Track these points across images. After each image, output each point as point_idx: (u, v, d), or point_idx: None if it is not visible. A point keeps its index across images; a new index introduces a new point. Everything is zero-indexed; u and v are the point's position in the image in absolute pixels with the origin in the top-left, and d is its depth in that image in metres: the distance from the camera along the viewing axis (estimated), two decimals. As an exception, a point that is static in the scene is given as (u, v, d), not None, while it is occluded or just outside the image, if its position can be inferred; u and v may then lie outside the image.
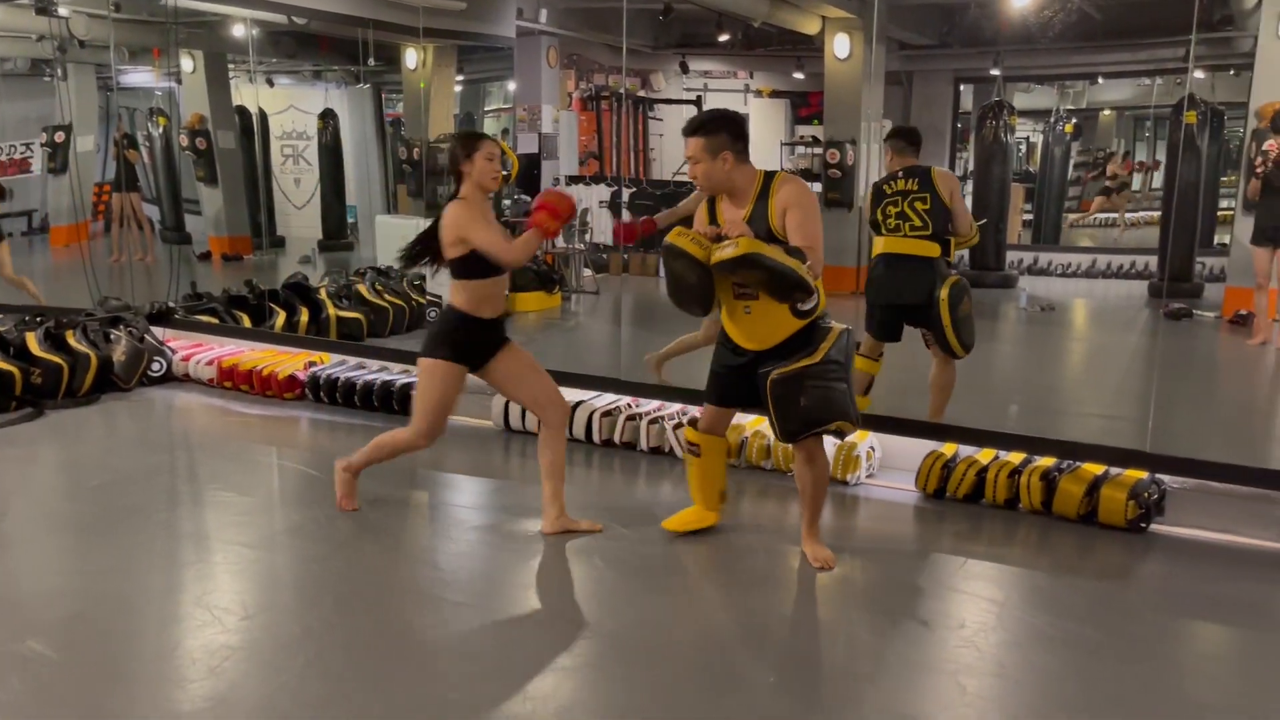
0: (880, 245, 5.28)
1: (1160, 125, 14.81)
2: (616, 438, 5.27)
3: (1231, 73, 11.40)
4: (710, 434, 4.04)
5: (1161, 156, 13.70)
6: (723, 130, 3.69)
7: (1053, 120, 14.76)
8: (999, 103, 11.50)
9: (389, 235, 8.69)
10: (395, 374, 6.12)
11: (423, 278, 8.01)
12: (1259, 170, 7.57)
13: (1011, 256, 11.90)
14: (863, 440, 4.90)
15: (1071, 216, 15.25)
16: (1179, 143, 10.07)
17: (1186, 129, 9.91)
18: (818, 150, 10.66)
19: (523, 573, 3.84)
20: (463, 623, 3.41)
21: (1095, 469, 4.44)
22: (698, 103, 13.22)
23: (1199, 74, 11.53)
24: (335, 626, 3.33)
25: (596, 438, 5.30)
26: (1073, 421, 5.99)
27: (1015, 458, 4.61)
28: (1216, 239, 11.37)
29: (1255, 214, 7.77)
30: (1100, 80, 14.98)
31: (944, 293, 4.99)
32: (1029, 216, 14.32)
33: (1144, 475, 4.38)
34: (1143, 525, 4.23)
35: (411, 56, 10.44)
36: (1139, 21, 10.30)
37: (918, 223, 5.17)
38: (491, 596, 3.67)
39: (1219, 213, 11.52)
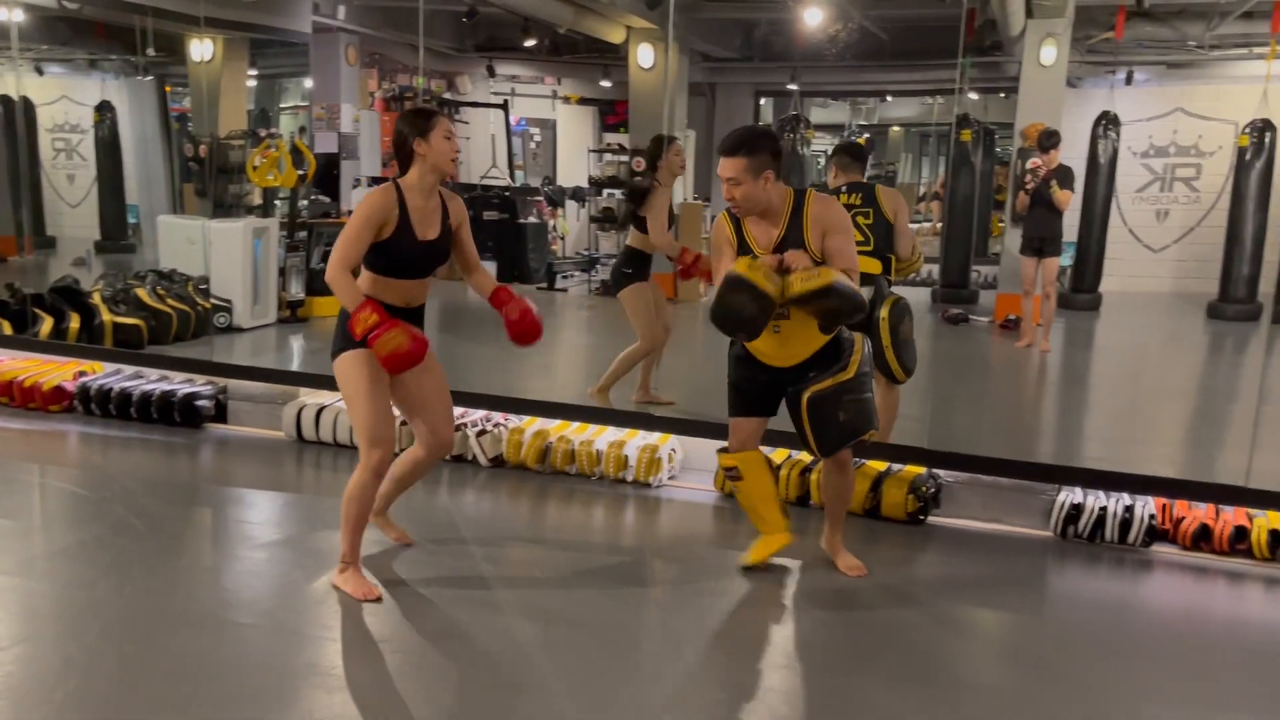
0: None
1: (942, 142, 15.81)
2: (417, 446, 5.14)
3: (1002, 95, 12.31)
4: (744, 450, 3.85)
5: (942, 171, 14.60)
6: (765, 149, 3.55)
7: (846, 134, 15.51)
8: (795, 116, 11.99)
9: (173, 236, 8.17)
10: (177, 383, 5.75)
11: (208, 280, 7.58)
12: (1028, 186, 8.17)
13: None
14: (665, 443, 4.98)
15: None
16: (956, 159, 10.79)
17: (961, 146, 10.63)
18: (624, 158, 10.78)
19: (316, 589, 3.68)
20: (249, 644, 3.23)
21: (879, 465, 4.67)
22: (504, 106, 13.14)
23: (973, 95, 12.40)
24: (101, 655, 3.09)
25: (396, 447, 5.14)
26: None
27: (806, 457, 4.79)
28: (990, 249, 12.22)
29: (1023, 226, 8.39)
30: (889, 98, 15.85)
31: (884, 312, 4.74)
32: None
33: (922, 470, 4.64)
34: (921, 518, 4.48)
35: (199, 48, 9.88)
36: (919, 44, 10.96)
37: (860, 238, 4.91)
38: (282, 615, 3.49)
39: (992, 225, 12.40)
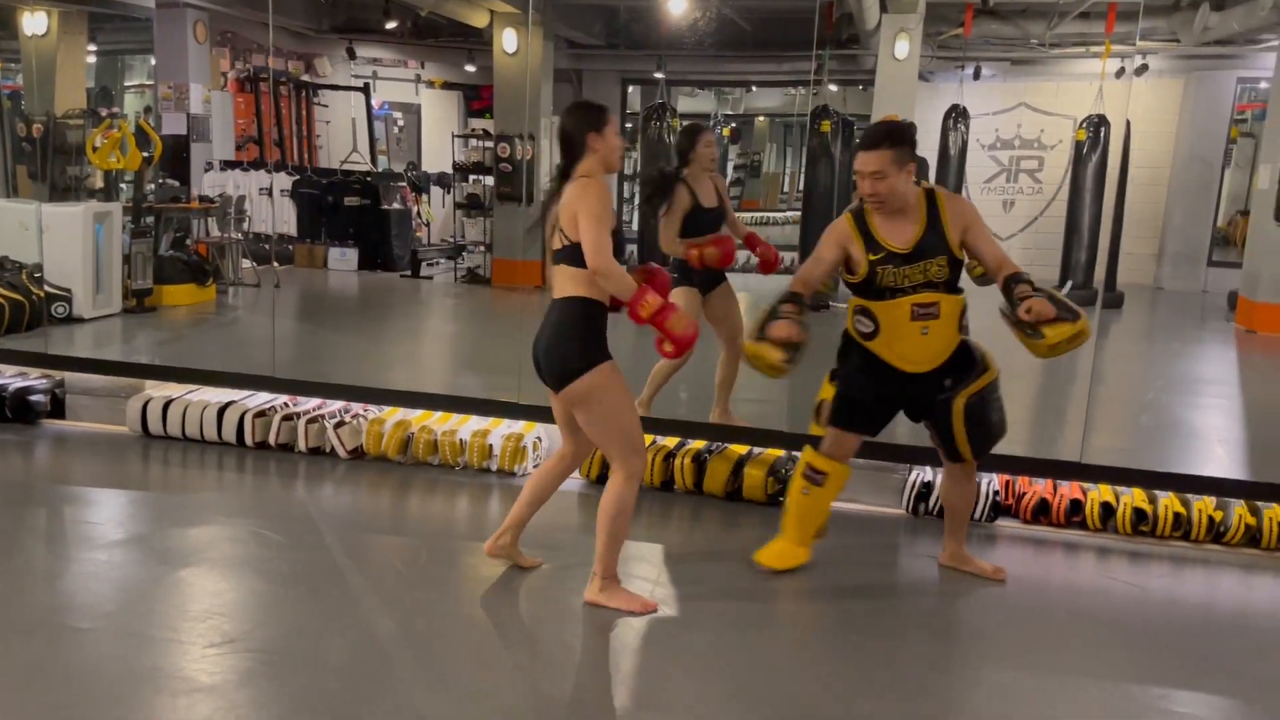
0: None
1: (804, 132, 16.18)
2: (271, 439, 4.97)
3: (860, 87, 12.68)
4: (839, 461, 3.78)
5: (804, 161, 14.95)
6: (907, 141, 3.49)
7: (712, 124, 15.71)
8: (662, 105, 12.04)
9: (4, 221, 7.66)
10: (9, 377, 5.41)
11: (41, 268, 7.13)
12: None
13: (676, 252, 12.52)
14: (530, 431, 4.95)
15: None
16: (815, 150, 11.05)
17: (821, 137, 10.89)
18: (489, 144, 10.65)
19: (162, 590, 3.52)
20: (87, 649, 3.06)
21: (740, 449, 4.76)
22: (366, 90, 12.81)
23: (832, 87, 12.72)
24: (-81, 671, 2.88)
25: (249, 440, 4.97)
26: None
27: (670, 442, 4.84)
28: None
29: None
30: (754, 88, 16.13)
31: None
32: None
33: (782, 453, 4.75)
34: (781, 499, 4.58)
35: (31, 22, 9.28)
36: (781, 36, 11.19)
37: None
38: (124, 618, 3.32)
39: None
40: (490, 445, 4.82)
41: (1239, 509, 4.28)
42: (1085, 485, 4.52)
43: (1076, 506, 4.43)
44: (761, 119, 18.36)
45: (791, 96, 16.07)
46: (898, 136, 3.48)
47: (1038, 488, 4.52)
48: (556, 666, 3.12)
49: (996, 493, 4.48)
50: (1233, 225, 12.98)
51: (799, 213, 14.59)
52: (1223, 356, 9.28)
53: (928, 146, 9.75)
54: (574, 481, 4.81)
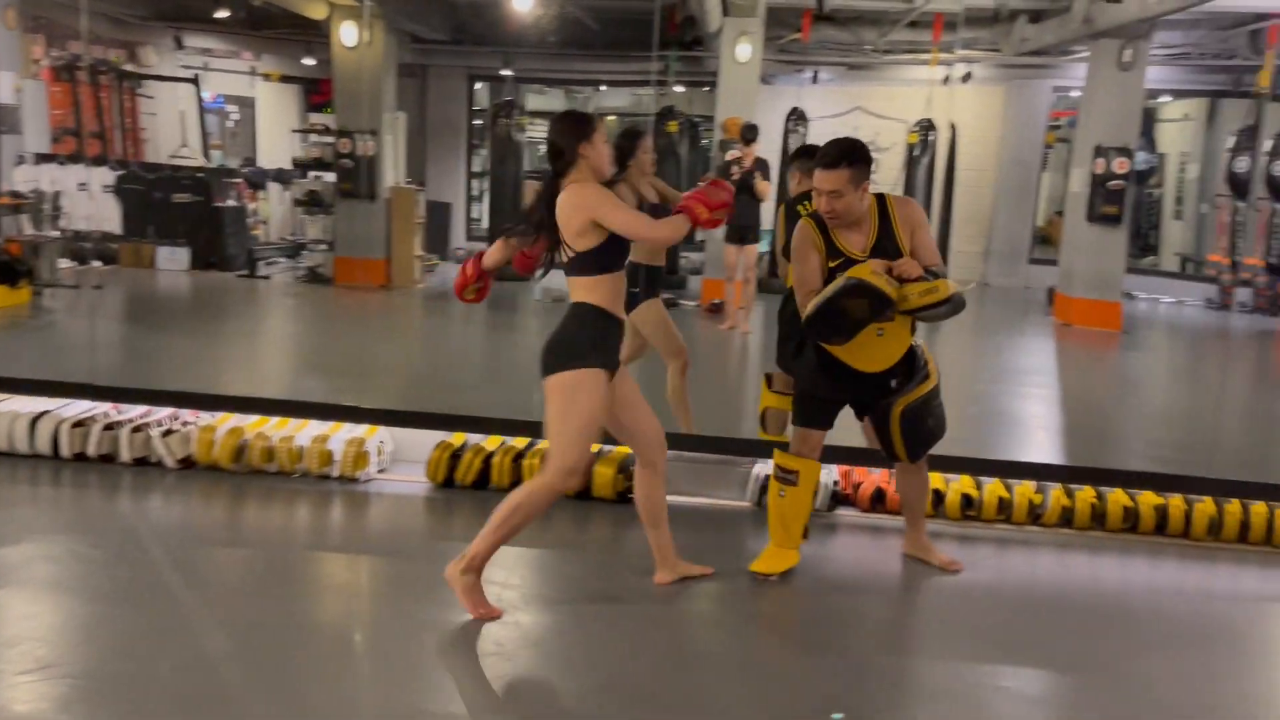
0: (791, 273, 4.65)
1: (652, 133, 16.32)
2: (91, 450, 4.67)
3: (705, 89, 12.90)
4: (808, 458, 3.82)
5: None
6: (862, 160, 3.55)
7: (560, 122, 15.66)
8: (509, 102, 11.96)
9: None
10: None
11: None
12: (734, 176, 8.58)
13: (527, 251, 12.44)
14: (372, 435, 4.82)
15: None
16: (662, 150, 11.17)
17: (668, 137, 11.03)
18: (330, 139, 10.33)
19: (-37, 617, 3.26)
20: (-127, 688, 2.80)
21: (592, 447, 4.75)
22: (196, 81, 12.21)
23: (679, 88, 12.91)
24: None
25: (65, 452, 4.67)
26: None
27: (520, 442, 4.80)
28: (698, 236, 12.80)
29: (725, 214, 8.81)
30: (603, 87, 16.18)
31: None
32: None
33: (630, 450, 4.76)
34: (630, 496, 4.60)
35: None
36: (628, 36, 11.26)
37: None
38: (-82, 651, 3.05)
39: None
40: (331, 451, 4.66)
41: (1055, 492, 4.55)
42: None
43: (937, 496, 4.61)
44: (611, 118, 18.46)
45: (639, 96, 16.20)
46: (854, 156, 3.56)
47: (874, 477, 4.68)
48: (407, 676, 3.05)
49: (836, 483, 4.62)
50: (1051, 225, 13.82)
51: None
52: (1042, 348, 9.88)
53: (770, 149, 9.99)
54: (419, 485, 4.72)
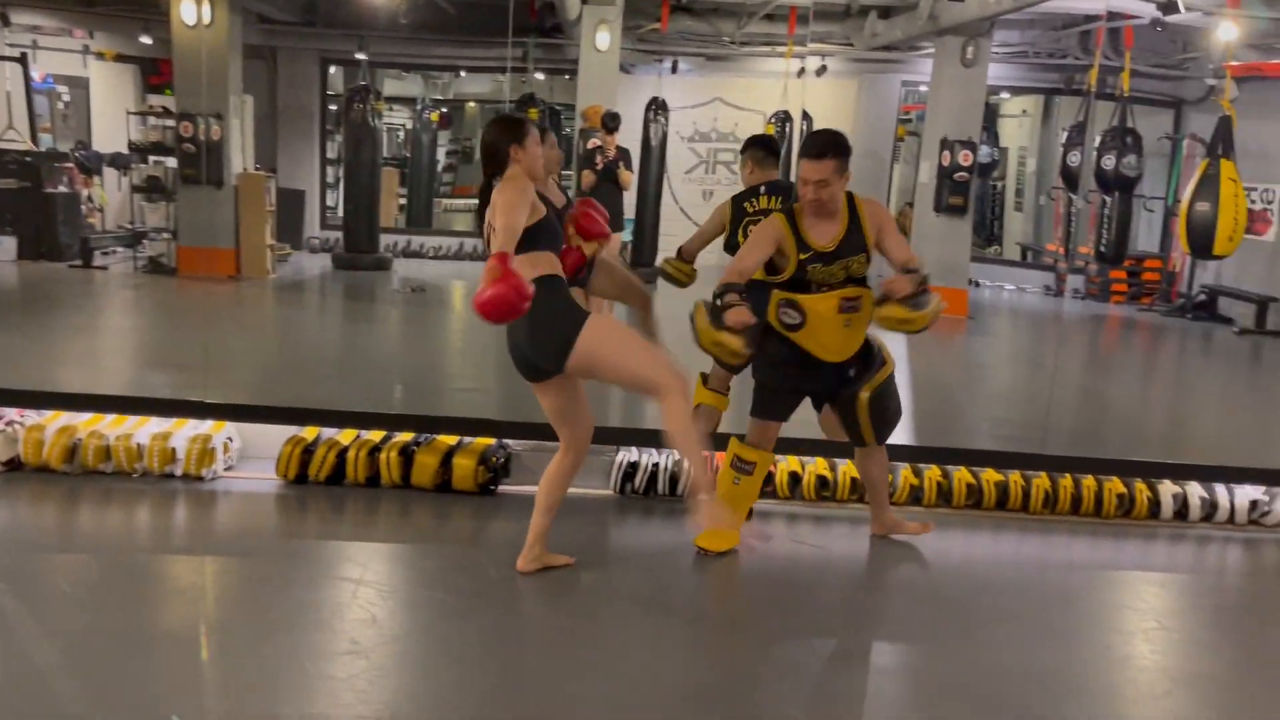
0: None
1: (513, 120, 16.14)
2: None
3: (566, 77, 12.83)
4: (764, 450, 3.96)
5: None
6: (846, 151, 3.67)
7: (420, 108, 15.35)
8: (365, 87, 11.62)
9: None
10: None
11: None
12: (599, 164, 8.55)
13: (385, 240, 12.16)
14: (219, 431, 4.61)
15: (445, 202, 16.12)
16: (524, 136, 11.07)
17: (529, 124, 10.91)
18: (170, 122, 9.82)
19: None
20: None
21: (450, 440, 4.67)
22: (23, 60, 11.42)
23: (539, 75, 12.80)
24: None
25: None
26: (438, 396, 6.25)
27: (375, 435, 4.68)
28: (561, 225, 12.73)
29: (588, 204, 8.79)
30: (463, 73, 15.90)
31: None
32: (404, 200, 14.78)
33: (492, 441, 4.71)
34: (492, 488, 4.55)
35: None
36: (487, 21, 11.10)
37: None
38: None
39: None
40: (173, 449, 4.44)
41: (904, 471, 4.72)
42: (776, 457, 4.80)
43: (769, 477, 4.71)
44: (472, 105, 18.17)
45: (499, 83, 16.01)
46: (840, 147, 3.69)
47: (719, 456, 4.75)
48: (257, 680, 2.92)
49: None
50: (903, 216, 14.33)
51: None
52: (894, 335, 10.22)
53: (631, 138, 10.03)
54: (270, 482, 4.54)
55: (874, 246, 3.80)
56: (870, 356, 3.94)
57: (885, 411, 3.98)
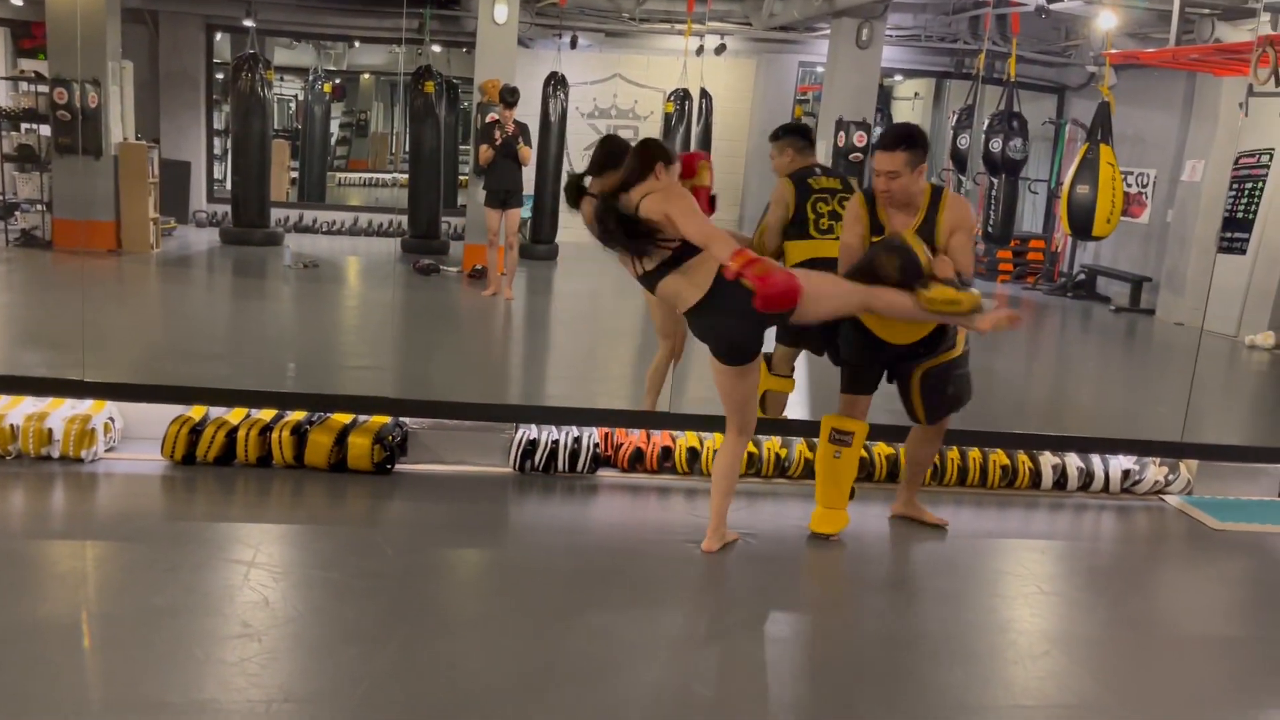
0: (805, 250, 4.37)
1: (409, 92, 15.87)
2: None
3: (464, 50, 12.63)
4: (860, 419, 4.06)
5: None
6: (921, 145, 3.74)
7: (312, 79, 14.92)
8: (253, 55, 11.23)
9: None
10: None
11: None
12: (498, 139, 8.43)
13: (277, 214, 11.81)
14: (99, 411, 4.43)
15: (340, 175, 15.74)
16: (420, 110, 10.87)
17: (426, 98, 10.72)
18: (44, 88, 9.33)
19: None
20: None
21: (344, 418, 4.58)
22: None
23: (436, 48, 12.56)
24: None
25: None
26: (332, 374, 6.12)
27: (267, 414, 4.56)
28: (459, 200, 12.57)
29: (486, 179, 8.70)
30: (357, 44, 15.50)
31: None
32: (296, 174, 14.37)
33: (388, 420, 4.64)
34: (388, 467, 4.49)
35: None
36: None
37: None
38: None
39: (460, 177, 12.74)
40: (50, 429, 4.25)
41: (800, 446, 4.82)
42: (674, 433, 4.86)
43: (667, 453, 4.75)
44: (367, 76, 17.73)
45: (395, 54, 15.67)
46: (913, 140, 3.75)
47: (633, 438, 4.79)
48: (143, 667, 2.82)
49: (596, 445, 4.69)
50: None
51: (407, 174, 14.34)
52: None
53: (530, 113, 9.93)
54: (155, 464, 4.39)
55: (943, 244, 3.81)
56: (938, 339, 3.96)
57: (941, 392, 4.04)
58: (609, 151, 3.75)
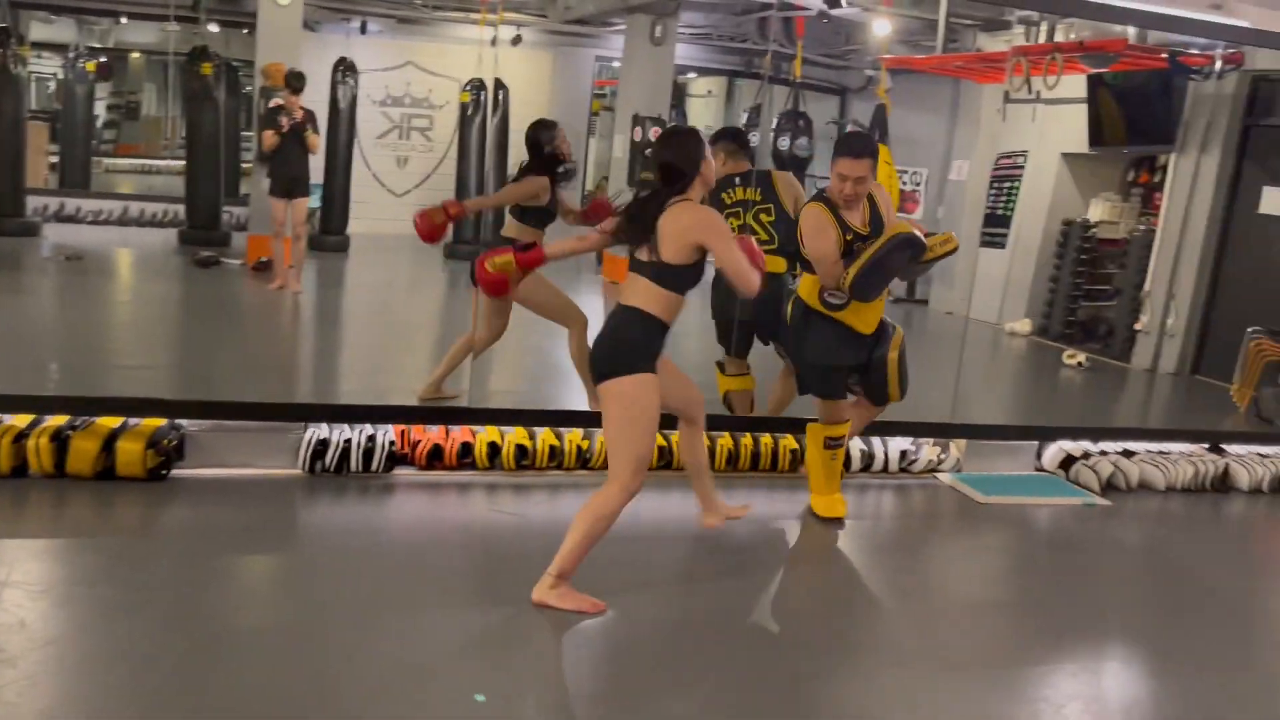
0: None
1: (184, 74, 14.93)
2: None
3: (244, 30, 11.97)
4: (844, 423, 4.42)
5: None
6: (877, 151, 4.17)
7: (73, 56, 13.77)
8: (4, 29, 10.24)
9: None
10: None
11: None
12: (284, 126, 8.01)
13: (34, 202, 10.82)
14: None
15: (107, 161, 14.62)
16: (198, 94, 10.23)
17: (203, 80, 10.10)
18: None
19: None
20: None
21: (113, 422, 4.25)
22: None
23: (213, 27, 11.86)
24: None
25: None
26: (99, 375, 5.67)
27: (21, 420, 4.17)
28: (242, 189, 11.92)
29: (271, 167, 8.27)
30: (124, 20, 14.40)
31: (791, 309, 4.44)
32: (56, 159, 13.23)
33: (163, 422, 4.34)
34: (164, 473, 4.20)
35: None
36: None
37: (764, 236, 4.74)
38: None
39: (242, 165, 12.07)
40: None
41: (601, 437, 4.84)
42: (474, 428, 4.78)
43: (467, 449, 4.67)
44: (136, 55, 16.54)
45: (168, 33, 14.69)
46: (874, 148, 4.21)
47: (431, 434, 4.68)
48: None
49: (392, 443, 4.55)
50: (600, 188, 14.67)
51: (183, 160, 13.50)
52: (593, 305, 10.46)
53: (317, 99, 9.53)
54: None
55: (889, 219, 4.25)
56: (884, 325, 4.35)
57: (906, 369, 4.38)
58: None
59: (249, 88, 12.06)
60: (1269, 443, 6.05)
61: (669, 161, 3.40)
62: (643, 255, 3.38)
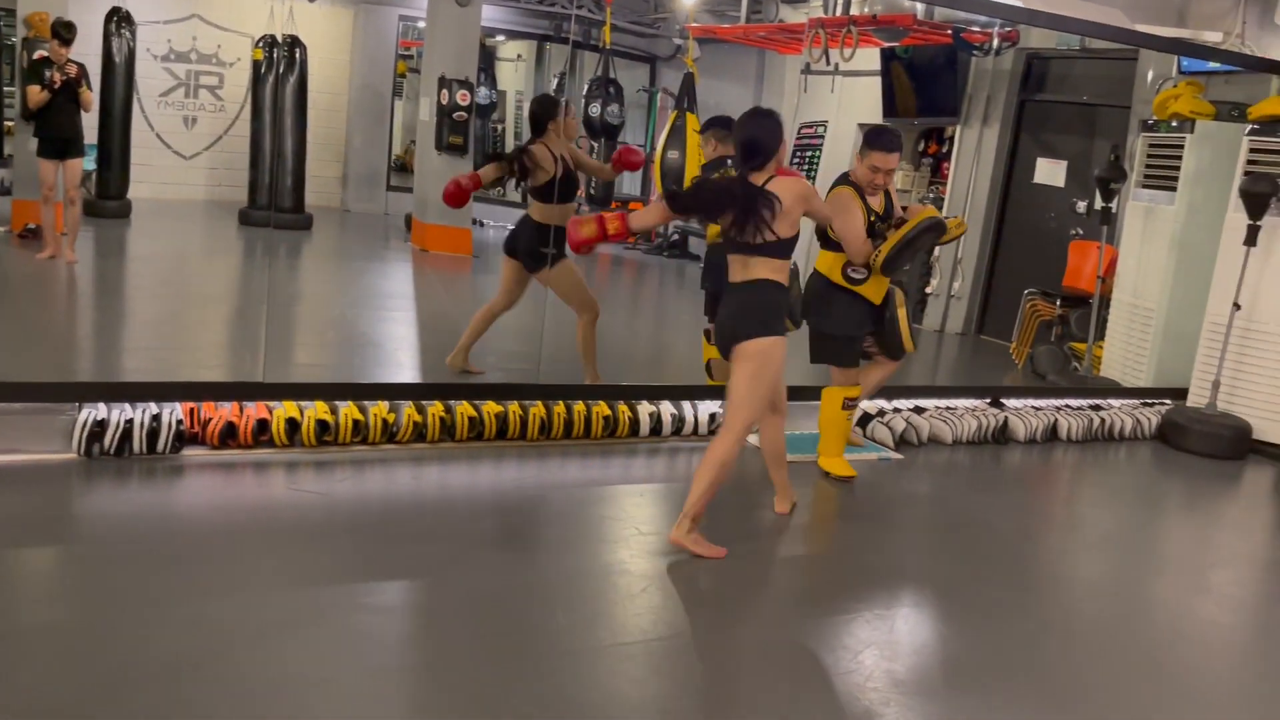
0: (712, 234, 5.12)
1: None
2: None
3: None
4: (857, 385, 4.85)
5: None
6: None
7: None
8: None
9: None
10: None
11: None
12: (56, 81, 7.33)
13: None
14: None
15: None
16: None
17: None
18: None
19: None
20: None
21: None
22: None
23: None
24: None
25: None
26: None
27: None
28: (5, 150, 10.88)
29: (38, 126, 7.58)
30: None
31: (809, 284, 4.88)
32: None
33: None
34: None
35: None
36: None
37: None
38: None
39: (5, 124, 11.02)
40: None
41: (408, 409, 4.71)
42: (271, 404, 4.55)
43: (264, 426, 4.44)
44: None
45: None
46: (902, 143, 4.68)
47: (223, 412, 4.42)
48: None
49: (180, 422, 4.27)
50: (408, 153, 14.22)
51: None
52: (401, 273, 10.20)
53: (88, 51, 8.76)
54: None
55: (899, 204, 4.71)
56: (889, 291, 4.78)
57: (909, 322, 4.90)
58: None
59: (12, 39, 10.98)
60: (1042, 396, 6.54)
61: (756, 138, 3.72)
62: (751, 238, 3.71)
